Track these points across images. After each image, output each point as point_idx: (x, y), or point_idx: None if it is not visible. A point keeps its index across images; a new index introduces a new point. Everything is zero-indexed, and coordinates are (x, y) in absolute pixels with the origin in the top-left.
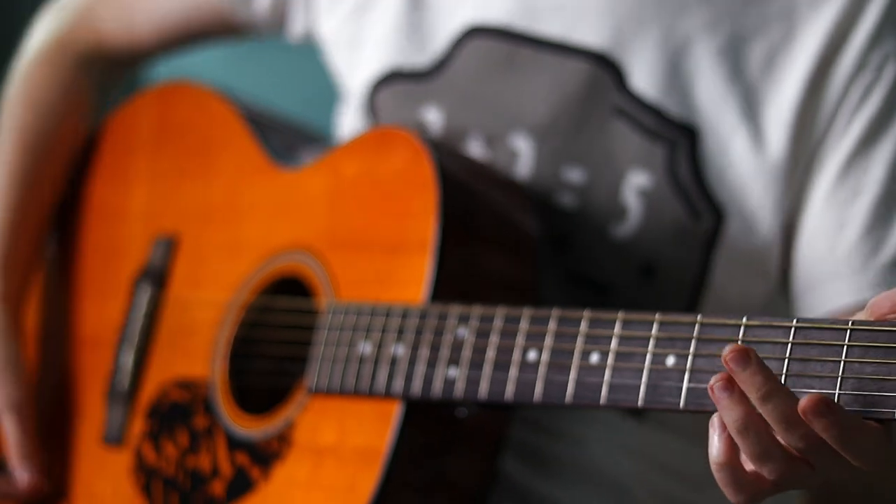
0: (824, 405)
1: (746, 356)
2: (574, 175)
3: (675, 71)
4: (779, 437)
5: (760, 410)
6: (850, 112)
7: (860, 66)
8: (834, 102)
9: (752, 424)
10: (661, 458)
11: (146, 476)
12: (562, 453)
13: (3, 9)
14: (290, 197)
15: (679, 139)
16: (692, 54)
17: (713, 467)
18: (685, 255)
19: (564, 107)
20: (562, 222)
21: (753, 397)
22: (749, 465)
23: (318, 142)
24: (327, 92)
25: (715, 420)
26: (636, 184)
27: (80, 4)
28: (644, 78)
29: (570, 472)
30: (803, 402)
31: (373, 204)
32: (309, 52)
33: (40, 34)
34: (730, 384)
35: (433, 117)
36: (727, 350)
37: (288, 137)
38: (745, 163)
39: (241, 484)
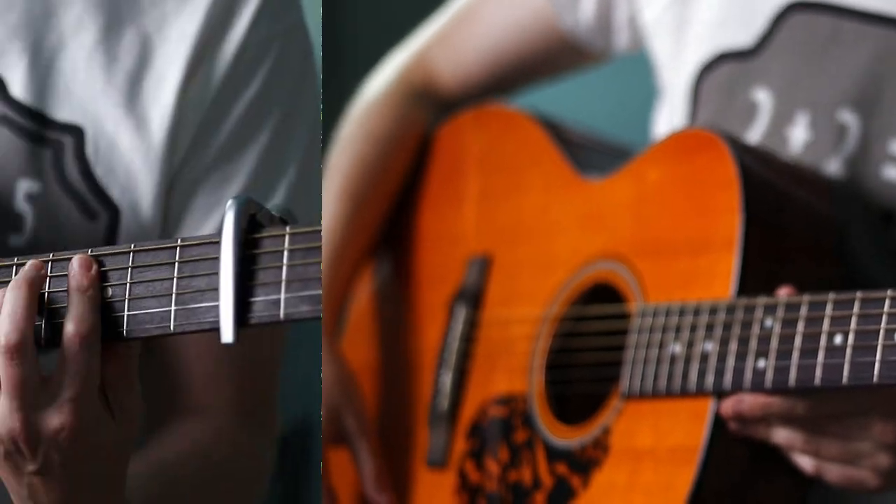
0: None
1: None
2: None
3: (52, 72)
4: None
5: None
6: (231, 96)
7: (244, 47)
8: (216, 87)
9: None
10: None
11: (470, 495)
12: None
13: None
14: (596, 207)
15: (65, 141)
16: (67, 53)
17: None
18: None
19: (891, 79)
20: (891, 198)
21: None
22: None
23: (624, 153)
24: (632, 109)
25: None
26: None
27: (419, 46)
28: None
29: None
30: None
31: (676, 207)
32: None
33: (382, 75)
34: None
35: (762, 98)
36: None
37: (594, 149)
38: (133, 153)
39: (562, 493)
